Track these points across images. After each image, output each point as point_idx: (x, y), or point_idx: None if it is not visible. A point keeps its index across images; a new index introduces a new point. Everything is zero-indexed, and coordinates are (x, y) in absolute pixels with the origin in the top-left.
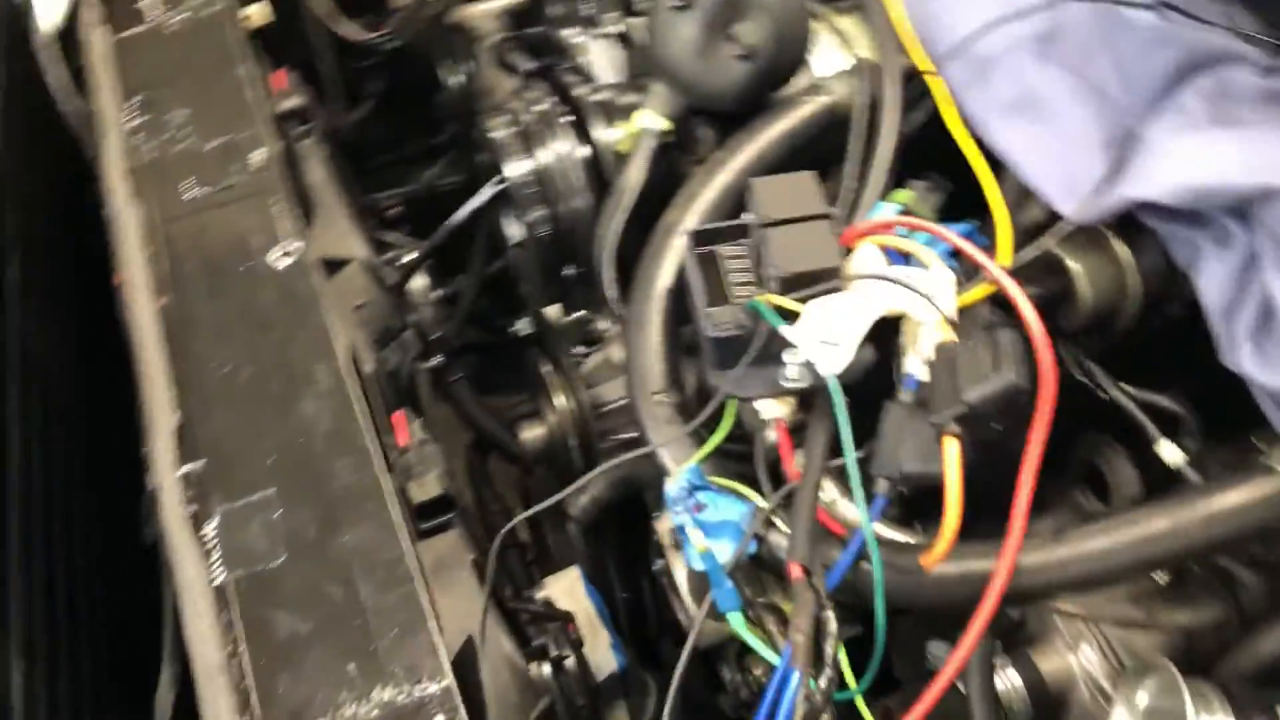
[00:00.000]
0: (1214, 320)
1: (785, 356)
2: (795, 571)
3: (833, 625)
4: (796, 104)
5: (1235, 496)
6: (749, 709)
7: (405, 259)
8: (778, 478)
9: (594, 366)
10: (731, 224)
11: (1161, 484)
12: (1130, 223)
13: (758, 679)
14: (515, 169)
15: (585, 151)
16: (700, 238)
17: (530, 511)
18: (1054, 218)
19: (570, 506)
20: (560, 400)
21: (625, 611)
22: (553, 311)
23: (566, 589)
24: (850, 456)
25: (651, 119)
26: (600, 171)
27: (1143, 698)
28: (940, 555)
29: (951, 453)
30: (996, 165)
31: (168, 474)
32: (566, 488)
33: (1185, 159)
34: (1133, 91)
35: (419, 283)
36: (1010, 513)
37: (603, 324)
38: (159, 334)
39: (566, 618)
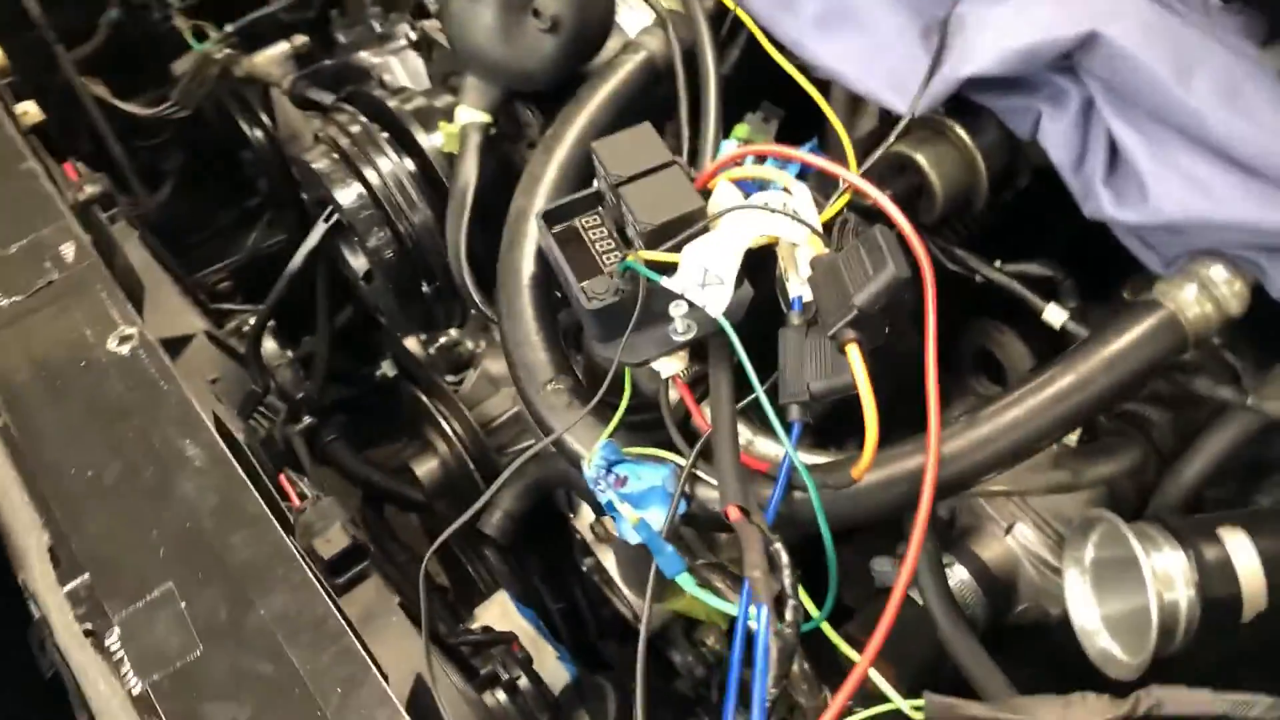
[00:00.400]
0: (1068, 178)
1: (671, 310)
2: (734, 514)
3: (785, 556)
4: (615, 66)
5: (1130, 335)
6: (707, 685)
7: (249, 325)
8: (691, 434)
9: (473, 385)
10: (581, 195)
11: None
12: (964, 106)
13: (712, 649)
14: (346, 195)
15: (412, 162)
16: (553, 216)
17: (447, 533)
18: (891, 120)
19: (485, 527)
20: (448, 427)
21: (562, 621)
22: (413, 345)
23: (499, 614)
24: (758, 388)
25: (470, 114)
26: (433, 179)
27: (1089, 554)
28: (868, 461)
29: (856, 359)
30: (823, 83)
31: (51, 597)
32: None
33: (1003, 26)
34: None
35: (270, 346)
36: (921, 410)
37: (470, 343)
38: (5, 456)
39: (509, 639)
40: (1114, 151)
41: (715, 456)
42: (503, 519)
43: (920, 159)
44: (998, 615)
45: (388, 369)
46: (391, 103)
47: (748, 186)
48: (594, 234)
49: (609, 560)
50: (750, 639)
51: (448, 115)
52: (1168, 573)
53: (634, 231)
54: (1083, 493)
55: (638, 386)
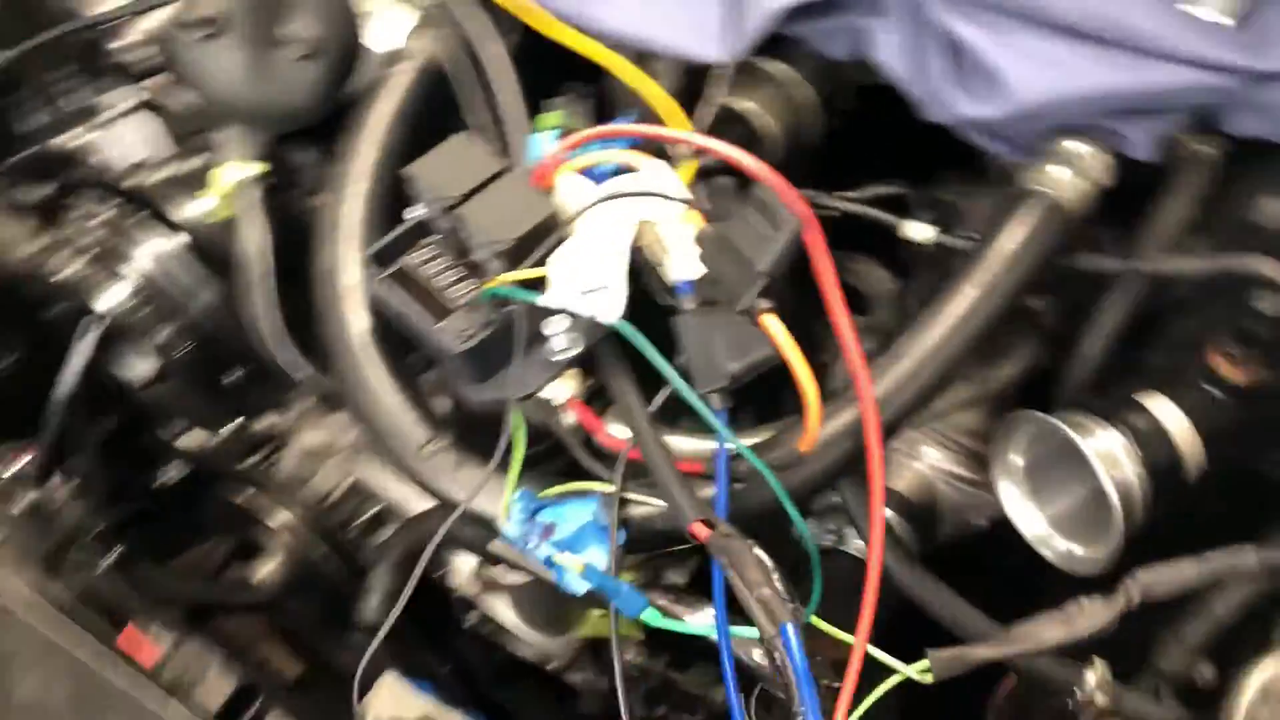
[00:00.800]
0: (909, 87)
1: (547, 329)
2: (702, 531)
3: (769, 560)
4: (390, 80)
5: (1020, 230)
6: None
7: (12, 471)
8: (602, 455)
9: (295, 465)
10: (401, 230)
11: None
12: (775, 43)
13: (635, 664)
14: (110, 298)
15: (181, 239)
16: (380, 259)
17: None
18: (694, 74)
19: (367, 614)
20: (280, 517)
21: (453, 681)
22: (196, 438)
23: (390, 698)
24: (680, 384)
25: (238, 169)
26: (208, 253)
27: (1017, 459)
28: (815, 429)
29: (777, 327)
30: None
31: None
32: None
33: None
34: None
35: (55, 483)
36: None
37: (269, 420)
38: None
39: None
40: (953, 47)
41: (653, 471)
42: (381, 601)
43: (746, 105)
44: (926, 543)
45: (174, 472)
46: (129, 181)
47: (591, 175)
48: (429, 269)
49: (499, 608)
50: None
51: (201, 180)
52: (1110, 452)
53: (485, 255)
54: (986, 398)
55: (527, 420)
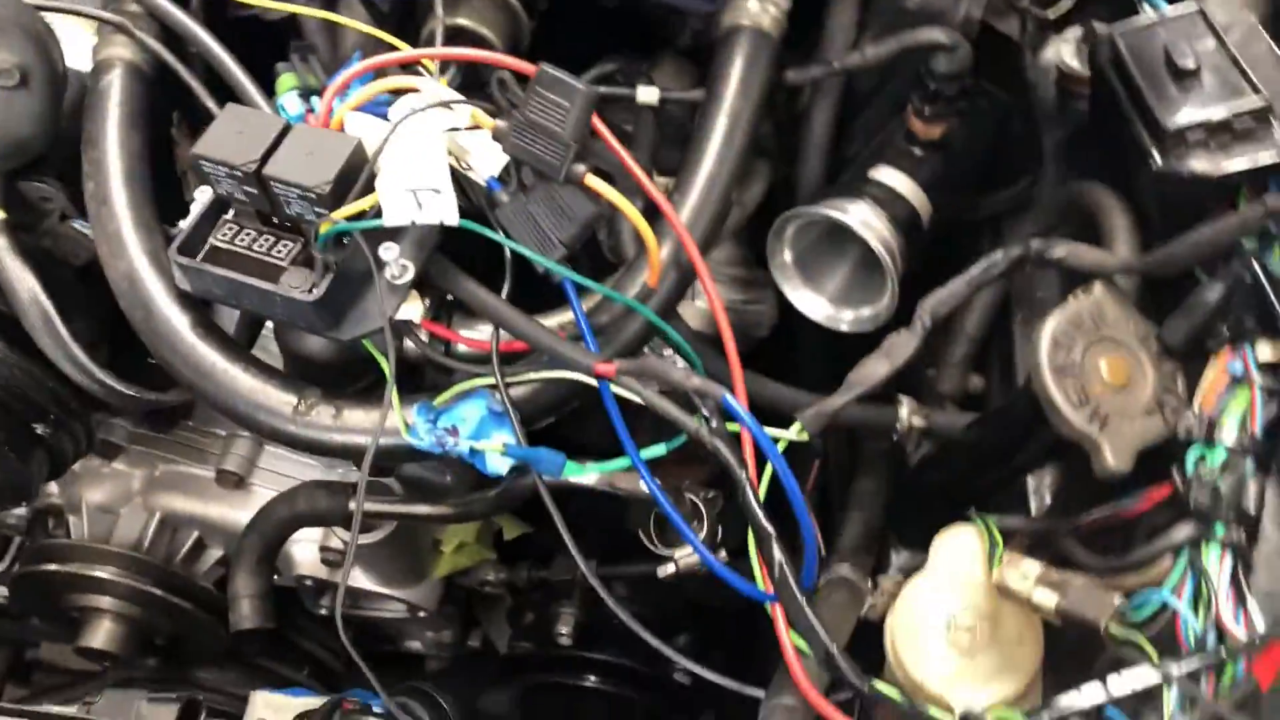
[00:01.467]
0: None
1: (384, 256)
2: (606, 368)
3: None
4: (102, 93)
5: (741, 63)
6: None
7: None
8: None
9: (88, 526)
10: (199, 214)
11: None
12: None
13: (499, 580)
14: None
15: None
16: (188, 248)
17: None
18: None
19: (242, 623)
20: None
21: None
22: None
23: (267, 709)
24: (542, 258)
25: None
26: None
27: (787, 257)
28: (657, 263)
29: (600, 183)
30: None
31: None
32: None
33: None
34: None
35: None
36: None
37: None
38: None
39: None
40: None
41: (534, 341)
42: (253, 604)
43: (463, 23)
44: None
45: None
46: None
47: (369, 109)
48: (242, 240)
49: (356, 579)
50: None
51: None
52: (865, 220)
53: (303, 205)
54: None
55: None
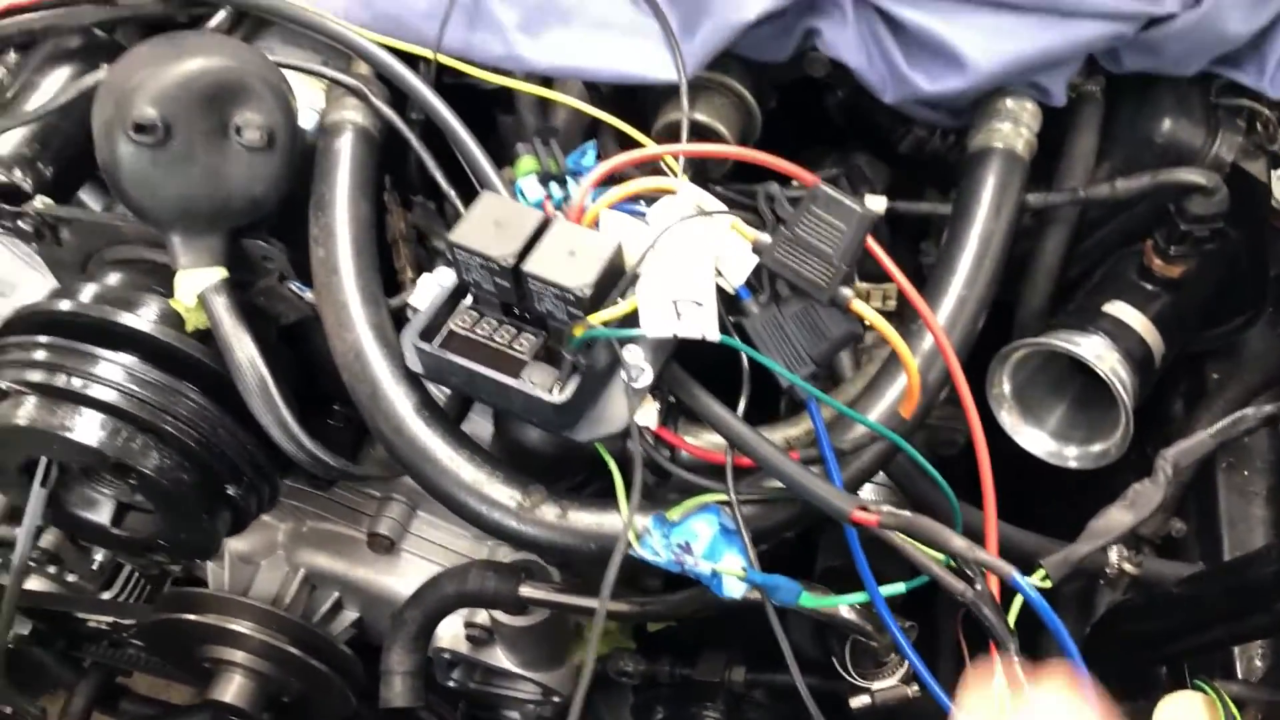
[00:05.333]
0: (866, 76)
1: (628, 359)
2: (863, 515)
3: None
4: (332, 160)
5: (992, 183)
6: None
7: None
8: (692, 469)
9: (230, 575)
10: (443, 299)
11: None
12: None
13: (636, 670)
14: (86, 431)
15: (132, 355)
16: (430, 332)
17: None
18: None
19: (394, 700)
20: (235, 629)
21: None
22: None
23: None
24: (790, 374)
25: (199, 277)
26: (175, 358)
27: (1007, 387)
28: (917, 394)
29: (866, 308)
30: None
31: None
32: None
33: None
34: None
35: None
36: None
37: None
38: None
39: None
40: (906, 37)
41: (776, 469)
42: (406, 681)
43: (703, 118)
44: None
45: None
46: (64, 305)
47: (622, 209)
48: (482, 330)
49: (497, 658)
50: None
51: (132, 296)
52: (1097, 353)
53: (557, 304)
54: None
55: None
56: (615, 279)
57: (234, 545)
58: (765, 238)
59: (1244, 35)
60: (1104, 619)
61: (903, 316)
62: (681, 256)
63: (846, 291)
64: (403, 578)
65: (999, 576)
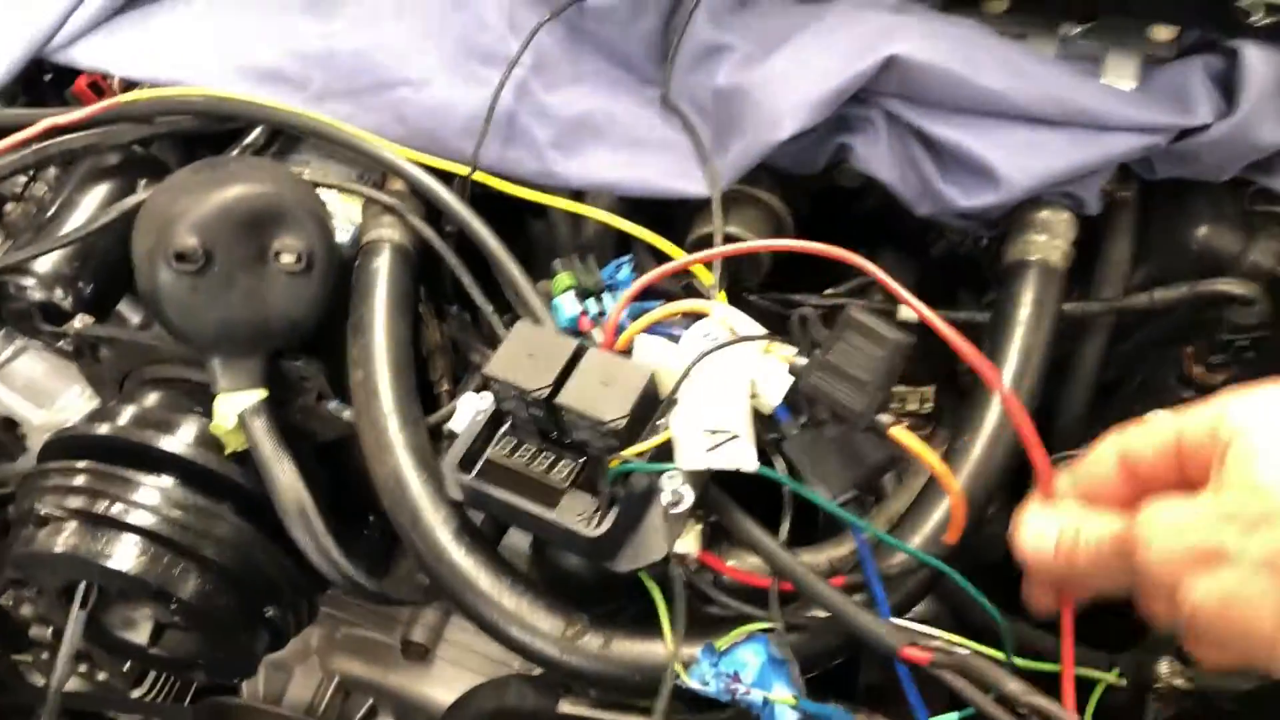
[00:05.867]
0: (900, 190)
1: (664, 484)
2: (917, 654)
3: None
4: (370, 281)
5: (1029, 296)
6: None
7: None
8: (734, 592)
9: (262, 682)
10: (478, 428)
11: None
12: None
13: None
14: (123, 557)
15: (171, 478)
16: (468, 461)
17: None
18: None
19: None
20: None
21: None
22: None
23: None
24: (828, 503)
25: (239, 399)
26: (215, 481)
27: None
28: (960, 521)
29: (905, 434)
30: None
31: None
32: None
33: (796, 80)
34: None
35: None
36: None
37: None
38: None
39: None
40: (940, 153)
41: (821, 599)
42: None
43: (736, 230)
44: None
45: None
46: (102, 429)
47: (657, 330)
48: (520, 456)
49: None
50: None
51: (170, 418)
52: None
53: (592, 434)
54: None
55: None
56: (651, 408)
57: None
58: (801, 360)
59: (1277, 143)
60: None
61: (940, 420)
62: (715, 386)
63: (884, 418)
64: (438, 685)
65: None
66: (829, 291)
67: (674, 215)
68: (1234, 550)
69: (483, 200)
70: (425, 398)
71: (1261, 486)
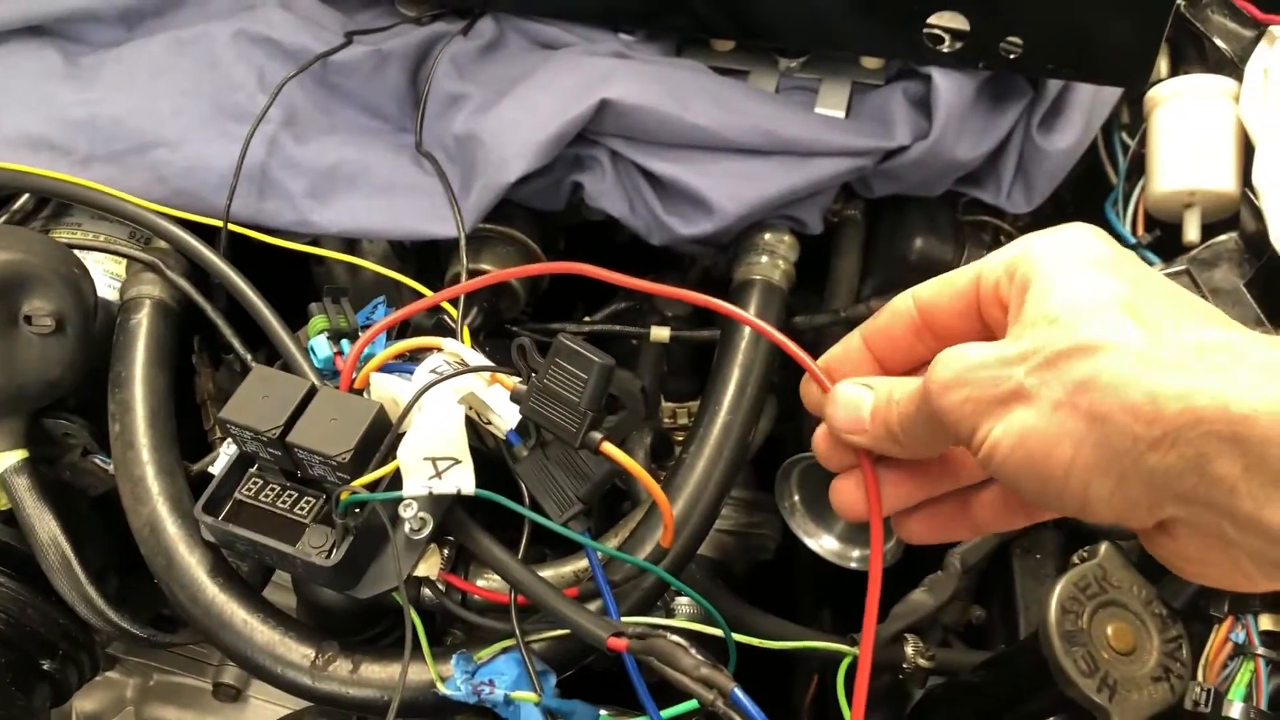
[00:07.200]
0: (631, 222)
1: (403, 514)
2: (620, 643)
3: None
4: (130, 337)
5: (753, 315)
6: None
7: None
8: (483, 610)
9: None
10: (224, 472)
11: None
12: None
13: None
14: None
15: None
16: (213, 505)
17: None
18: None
19: None
20: None
21: None
22: None
23: None
24: (548, 521)
25: (1, 460)
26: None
27: (795, 496)
28: (671, 525)
29: (615, 451)
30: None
31: None
32: None
33: (520, 125)
34: (403, 109)
35: None
36: None
37: None
38: None
39: None
40: (661, 186)
41: (546, 606)
42: None
43: (489, 267)
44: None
45: None
46: None
47: (392, 368)
48: (265, 497)
49: None
50: None
51: None
52: None
53: (325, 469)
54: None
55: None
56: (379, 441)
57: (81, 705)
58: (522, 387)
59: (974, 159)
60: (910, 715)
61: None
62: (439, 416)
63: (595, 436)
64: None
65: (719, 690)
66: (586, 319)
67: (440, 256)
68: (1031, 388)
69: (267, 251)
70: (200, 448)
71: (1061, 319)
